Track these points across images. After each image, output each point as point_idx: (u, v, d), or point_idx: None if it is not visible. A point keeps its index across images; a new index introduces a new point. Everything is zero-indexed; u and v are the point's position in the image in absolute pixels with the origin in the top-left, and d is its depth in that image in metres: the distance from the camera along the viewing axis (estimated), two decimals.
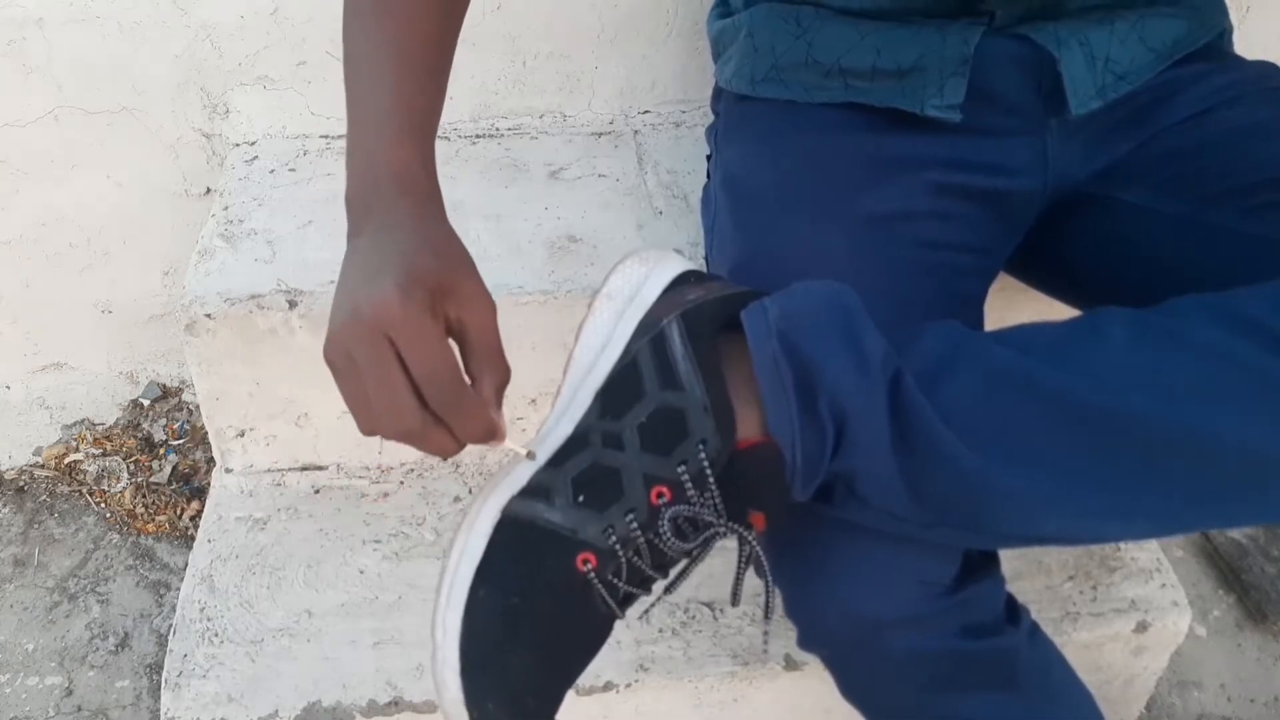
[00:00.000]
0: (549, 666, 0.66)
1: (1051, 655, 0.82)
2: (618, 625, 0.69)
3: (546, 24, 1.25)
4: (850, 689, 0.82)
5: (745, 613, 1.05)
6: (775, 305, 0.67)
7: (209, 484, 1.22)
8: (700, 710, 1.05)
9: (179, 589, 1.08)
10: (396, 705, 0.97)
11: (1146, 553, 1.16)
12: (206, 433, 1.17)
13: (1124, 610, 1.09)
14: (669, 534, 0.64)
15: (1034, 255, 0.92)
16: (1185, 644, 1.18)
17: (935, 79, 0.83)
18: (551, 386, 0.70)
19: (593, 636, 0.68)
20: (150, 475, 1.42)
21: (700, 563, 0.67)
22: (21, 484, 1.44)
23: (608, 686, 1.00)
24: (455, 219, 1.21)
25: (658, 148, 1.31)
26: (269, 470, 1.19)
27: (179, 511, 1.39)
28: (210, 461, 1.42)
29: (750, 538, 0.65)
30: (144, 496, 1.40)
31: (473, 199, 1.20)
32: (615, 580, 0.65)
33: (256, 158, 1.26)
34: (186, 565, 1.09)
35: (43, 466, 1.46)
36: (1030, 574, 1.12)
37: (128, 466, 1.43)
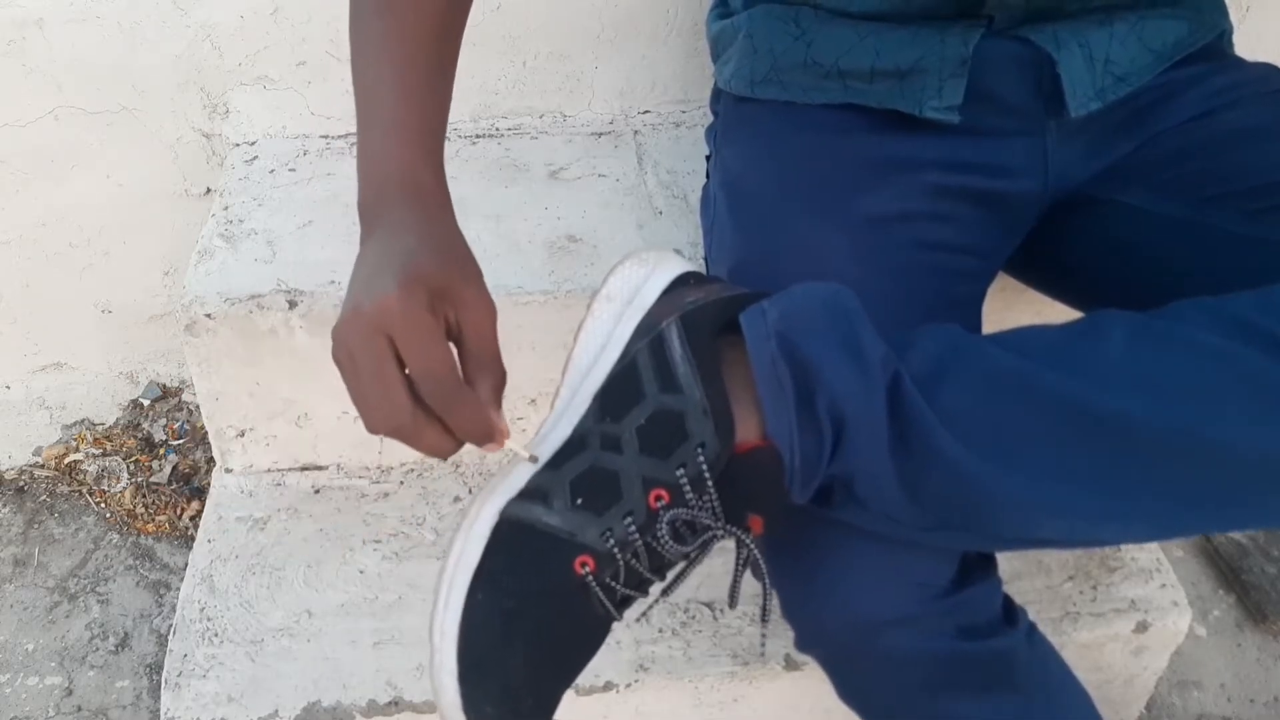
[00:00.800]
0: (546, 669, 0.66)
1: (1049, 656, 0.82)
2: (616, 626, 0.69)
3: (546, 24, 1.25)
4: (848, 691, 0.82)
5: (745, 613, 1.05)
6: (774, 307, 0.67)
7: (209, 484, 1.22)
8: (700, 710, 1.05)
9: (179, 589, 1.08)
10: (396, 705, 0.97)
11: (1146, 553, 1.16)
12: (206, 433, 1.17)
13: (1124, 610, 1.09)
14: (667, 537, 0.64)
15: (1033, 256, 0.92)
16: (1185, 644, 1.18)
17: (934, 80, 0.83)
18: (551, 386, 0.70)
19: (590, 639, 0.68)
20: (150, 475, 1.42)
21: (698, 565, 0.67)
22: (21, 484, 1.44)
23: (608, 686, 1.00)
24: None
25: (658, 148, 1.31)
26: (269, 470, 1.19)
27: (179, 511, 1.39)
28: (210, 461, 1.42)
29: (748, 540, 0.65)
30: (144, 496, 1.40)
31: (473, 199, 1.20)
32: (613, 583, 0.65)
33: (256, 158, 1.26)
34: (186, 565, 1.09)
35: (43, 466, 1.46)
36: (1030, 574, 1.12)
37: (128, 466, 1.43)
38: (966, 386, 0.65)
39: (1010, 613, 0.80)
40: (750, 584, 0.68)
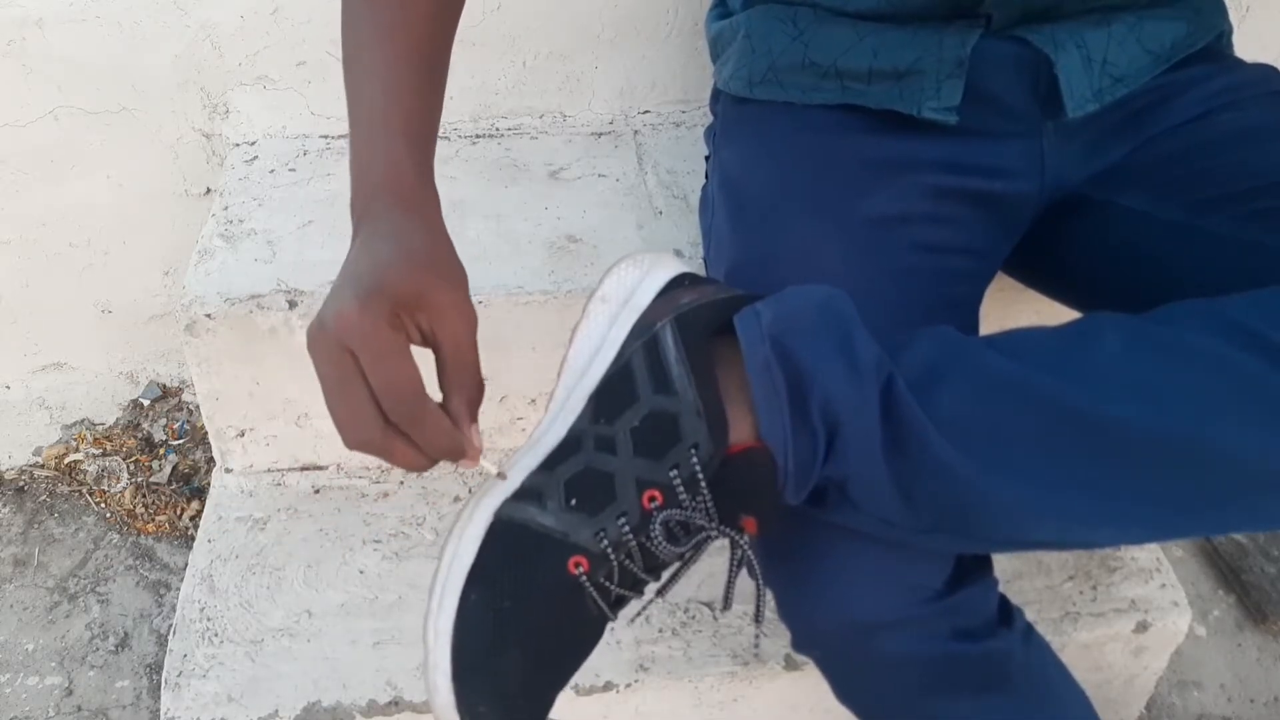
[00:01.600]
0: (540, 669, 0.66)
1: (1046, 657, 0.82)
2: (614, 626, 0.69)
3: (546, 24, 1.25)
4: (844, 692, 0.82)
5: (745, 613, 1.05)
6: (768, 309, 0.67)
7: (209, 484, 1.23)
8: (700, 710, 1.05)
9: (179, 589, 1.08)
10: (396, 705, 0.98)
11: (1146, 553, 1.16)
12: (206, 433, 1.17)
13: (1124, 610, 1.09)
14: (661, 538, 0.64)
15: (1031, 257, 0.92)
16: (1185, 644, 1.18)
17: (932, 81, 0.82)
18: (551, 387, 0.70)
19: (584, 639, 0.68)
20: (150, 475, 1.43)
21: (692, 565, 0.67)
22: (21, 484, 1.44)
23: (608, 686, 1.00)
24: (455, 219, 1.21)
25: (658, 148, 1.31)
26: (269, 470, 1.19)
27: (179, 511, 1.39)
28: (210, 461, 1.42)
29: (742, 542, 0.65)
30: (144, 496, 1.40)
31: (473, 199, 1.20)
32: (607, 583, 0.65)
33: (256, 158, 1.26)
34: (186, 565, 1.09)
35: (43, 466, 1.46)
36: (1030, 574, 1.12)
37: (128, 466, 1.43)
38: (960, 390, 0.65)
39: (1006, 614, 0.80)
40: (747, 584, 0.68)
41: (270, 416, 1.15)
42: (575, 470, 0.65)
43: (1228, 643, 1.33)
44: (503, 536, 0.64)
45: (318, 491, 1.17)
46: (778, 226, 0.84)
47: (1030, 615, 0.83)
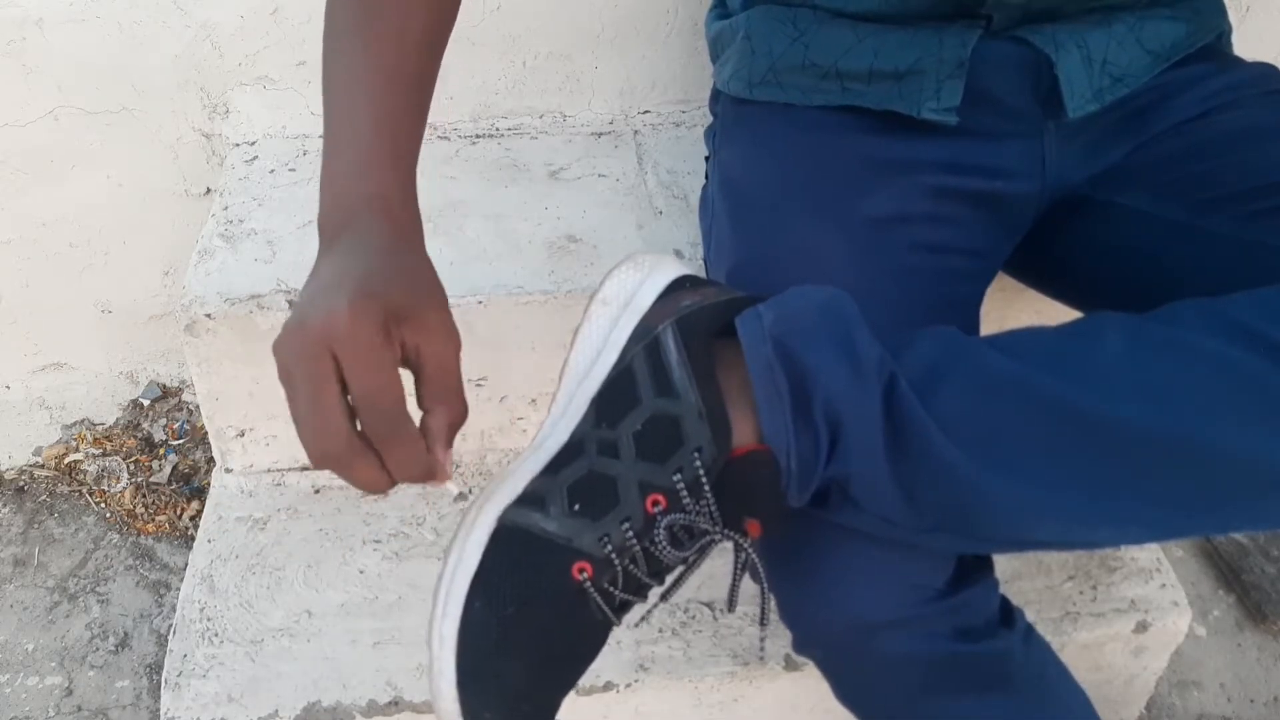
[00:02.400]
0: (545, 675, 0.66)
1: (1046, 657, 0.82)
2: (615, 630, 0.69)
3: (546, 24, 1.25)
4: (845, 693, 0.82)
5: (745, 613, 1.05)
6: (769, 311, 0.67)
7: (209, 484, 1.23)
8: (700, 710, 1.05)
9: (179, 589, 1.08)
10: (396, 705, 0.98)
11: (1146, 553, 1.16)
12: (206, 433, 1.17)
13: (1124, 610, 1.09)
14: (664, 542, 0.64)
15: (1032, 256, 0.92)
16: (1185, 644, 1.18)
17: (932, 81, 0.82)
18: (551, 386, 0.70)
19: (589, 644, 0.68)
20: (150, 475, 1.43)
21: (695, 569, 0.67)
22: (21, 484, 1.44)
23: (608, 687, 1.00)
24: (455, 219, 1.21)
25: (658, 148, 1.31)
26: (269, 470, 1.19)
27: (179, 511, 1.39)
28: (210, 461, 1.42)
29: (745, 545, 0.65)
30: (144, 496, 1.40)
31: (473, 199, 1.20)
32: (611, 588, 0.65)
33: (256, 158, 1.26)
34: (186, 565, 1.09)
35: (43, 466, 1.46)
36: (1030, 574, 1.12)
37: (128, 466, 1.43)
38: (962, 390, 0.65)
39: (1007, 614, 0.80)
40: (749, 585, 0.68)
41: (270, 416, 1.15)
42: (578, 475, 0.65)
43: (1228, 643, 1.33)
44: (506, 542, 0.64)
45: (318, 491, 1.17)
46: (778, 227, 0.84)
47: (1030, 615, 0.83)
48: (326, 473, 1.18)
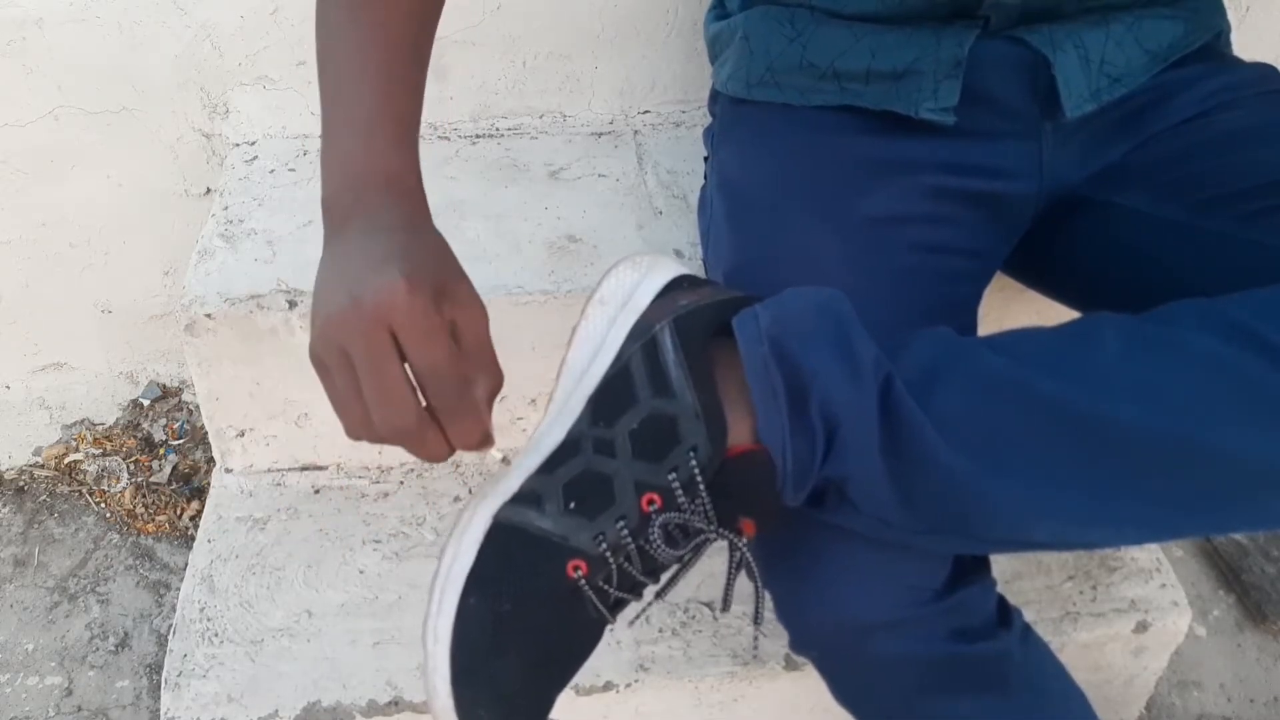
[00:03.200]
0: (540, 672, 0.66)
1: (1044, 657, 0.82)
2: (613, 627, 0.69)
3: (546, 24, 1.25)
4: (842, 693, 0.82)
5: (745, 613, 1.05)
6: (766, 311, 0.67)
7: (209, 484, 1.23)
8: (700, 710, 1.05)
9: (179, 589, 1.08)
10: (396, 705, 0.98)
11: (1146, 553, 1.16)
12: (206, 433, 1.17)
13: (1124, 610, 1.09)
14: (659, 541, 0.64)
15: (1031, 256, 0.92)
16: (1185, 644, 1.18)
17: (930, 82, 0.82)
18: (550, 387, 0.70)
19: (583, 642, 0.68)
20: (150, 475, 1.43)
21: (691, 568, 0.67)
22: (21, 484, 1.44)
23: (608, 686, 1.00)
24: (455, 219, 1.22)
25: (658, 148, 1.31)
26: (269, 470, 1.19)
27: (179, 511, 1.40)
28: (210, 461, 1.42)
29: (740, 544, 0.65)
30: (144, 496, 1.40)
31: (473, 199, 1.20)
32: (606, 586, 0.65)
33: (256, 158, 1.26)
34: (186, 565, 1.09)
35: (43, 466, 1.46)
36: (1030, 574, 1.12)
37: (128, 466, 1.43)
38: (959, 390, 0.65)
39: (1004, 614, 0.80)
40: (747, 584, 0.68)
41: (270, 416, 1.15)
42: (574, 473, 0.65)
43: (1228, 643, 1.33)
44: (502, 540, 0.64)
45: (318, 491, 1.17)
46: (776, 227, 0.84)
47: (1030, 615, 0.83)
48: (326, 473, 1.18)
